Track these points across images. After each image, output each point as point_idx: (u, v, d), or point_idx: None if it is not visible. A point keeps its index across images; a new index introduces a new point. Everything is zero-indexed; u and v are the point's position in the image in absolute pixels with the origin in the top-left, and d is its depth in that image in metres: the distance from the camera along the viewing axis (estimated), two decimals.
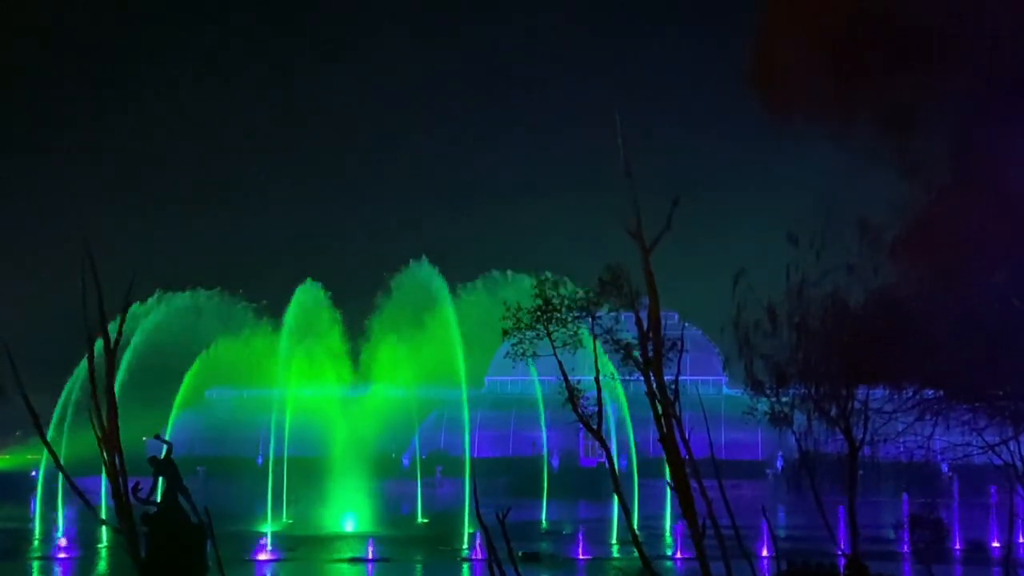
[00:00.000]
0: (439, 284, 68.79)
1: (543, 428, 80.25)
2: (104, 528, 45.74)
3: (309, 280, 71.46)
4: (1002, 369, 18.08)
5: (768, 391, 20.96)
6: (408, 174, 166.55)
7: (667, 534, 54.65)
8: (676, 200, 17.70)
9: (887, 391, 20.77)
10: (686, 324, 52.10)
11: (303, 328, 69.80)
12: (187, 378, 70.39)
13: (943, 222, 16.39)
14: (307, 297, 70.74)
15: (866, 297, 19.71)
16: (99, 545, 49.23)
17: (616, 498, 20.81)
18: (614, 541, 53.47)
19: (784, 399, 21.04)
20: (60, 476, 49.13)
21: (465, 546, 51.87)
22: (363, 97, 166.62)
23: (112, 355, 18.17)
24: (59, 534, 53.23)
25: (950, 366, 18.30)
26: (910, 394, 20.16)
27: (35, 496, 61.86)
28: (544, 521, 65.81)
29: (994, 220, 15.76)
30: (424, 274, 70.04)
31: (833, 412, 21.12)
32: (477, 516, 18.12)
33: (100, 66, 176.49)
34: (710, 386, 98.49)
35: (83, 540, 49.54)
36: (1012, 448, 21.03)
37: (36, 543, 54.29)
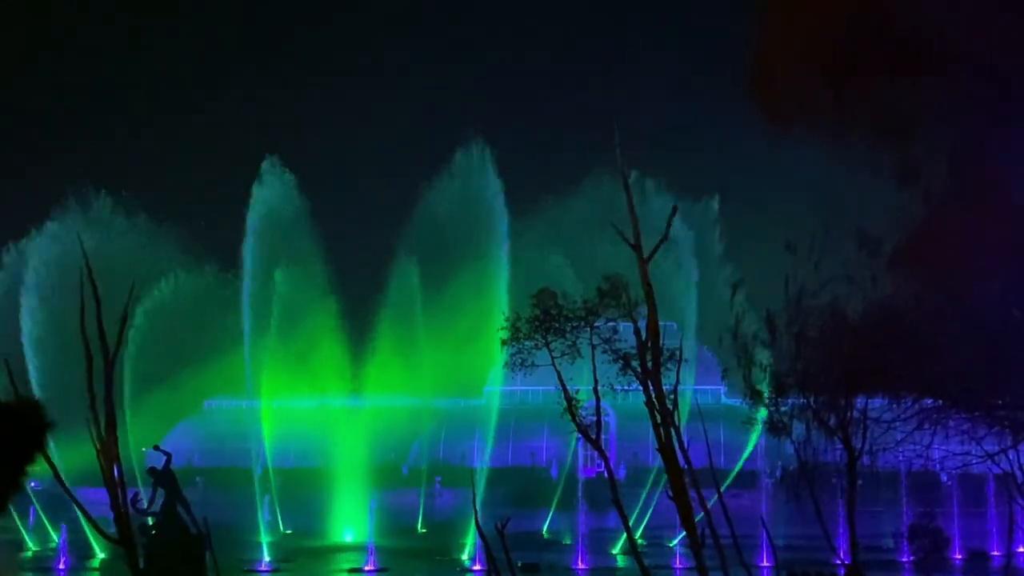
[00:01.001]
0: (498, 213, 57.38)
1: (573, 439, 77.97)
2: (93, 539, 45.66)
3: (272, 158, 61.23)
4: (1001, 378, 18.07)
5: (767, 401, 20.95)
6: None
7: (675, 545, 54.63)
8: (674, 210, 17.74)
9: (886, 400, 20.75)
10: (683, 332, 52.12)
11: (271, 246, 60.83)
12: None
13: (942, 232, 16.39)
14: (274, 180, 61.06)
15: (865, 307, 19.70)
16: (99, 557, 49.11)
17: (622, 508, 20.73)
18: (617, 551, 53.40)
19: (783, 408, 21.03)
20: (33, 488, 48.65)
21: (465, 556, 51.83)
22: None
23: (111, 366, 18.15)
24: (52, 545, 53.09)
25: (949, 375, 18.29)
26: (909, 403, 20.14)
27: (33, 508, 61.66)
28: (545, 531, 65.77)
29: (993, 229, 15.77)
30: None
31: (832, 422, 21.10)
32: (476, 527, 18.13)
33: None
34: (708, 395, 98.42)
35: (78, 552, 49.40)
36: (1011, 457, 21.02)
37: (30, 553, 54.20)
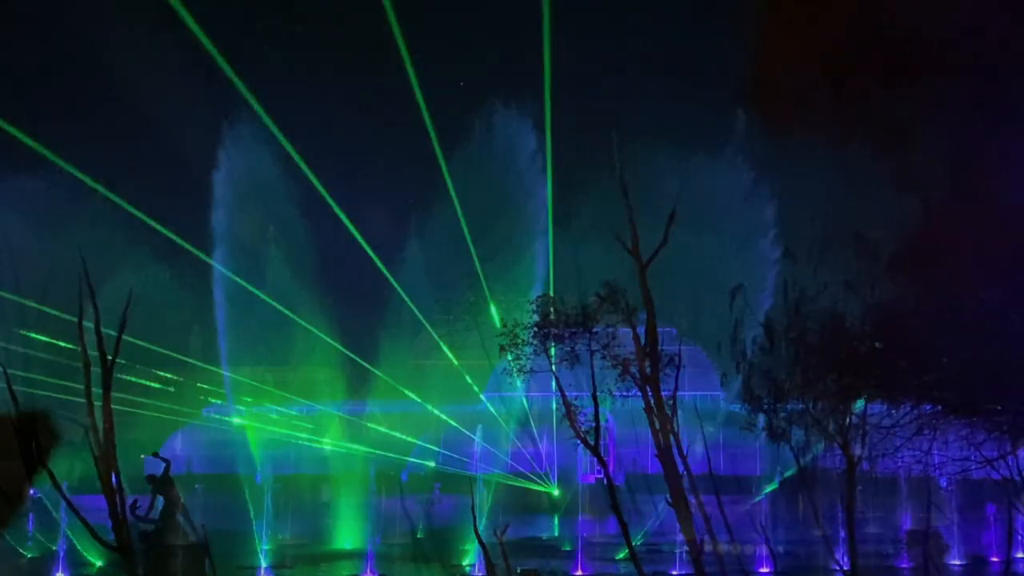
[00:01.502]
0: None
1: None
2: (82, 548, 45.48)
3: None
4: (1001, 382, 18.05)
5: (766, 406, 20.90)
6: None
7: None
8: (673, 215, 17.68)
9: (885, 406, 20.70)
10: (683, 339, 51.98)
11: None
12: None
13: (941, 236, 16.39)
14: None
15: (863, 312, 19.66)
16: (97, 565, 48.94)
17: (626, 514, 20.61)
18: (621, 556, 53.29)
19: (782, 415, 20.98)
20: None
21: (467, 562, 51.77)
22: None
23: (109, 373, 18.09)
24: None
25: (948, 380, 18.28)
26: (908, 409, 20.09)
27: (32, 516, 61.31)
28: (546, 537, 65.66)
29: (993, 234, 15.76)
30: None
31: (831, 427, 21.05)
32: (476, 534, 18.12)
33: None
34: (708, 401, 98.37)
35: (75, 560, 49.17)
36: (1010, 462, 20.99)
37: (28, 555, 53.98)
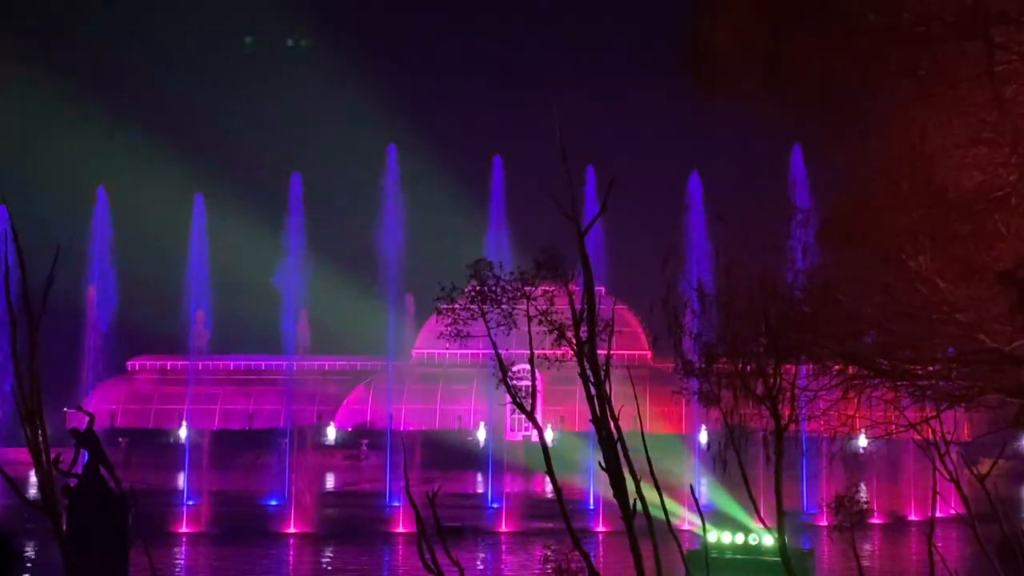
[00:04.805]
0: None
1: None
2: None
3: None
4: (926, 348, 18.32)
5: (697, 370, 21.05)
6: None
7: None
8: (611, 184, 17.64)
9: (812, 370, 20.94)
10: (614, 299, 52.40)
11: None
12: None
13: (870, 205, 16.56)
14: None
15: (793, 278, 19.84)
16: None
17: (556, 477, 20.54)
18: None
19: (712, 378, 21.14)
20: None
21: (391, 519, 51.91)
22: None
23: (35, 331, 17.80)
24: None
25: (874, 345, 18.52)
26: (835, 373, 20.35)
27: None
28: (471, 494, 66.07)
29: (920, 204, 15.95)
30: None
31: (759, 390, 21.26)
32: (407, 493, 18.12)
33: None
34: (635, 359, 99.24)
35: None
36: (934, 426, 21.37)
37: None
